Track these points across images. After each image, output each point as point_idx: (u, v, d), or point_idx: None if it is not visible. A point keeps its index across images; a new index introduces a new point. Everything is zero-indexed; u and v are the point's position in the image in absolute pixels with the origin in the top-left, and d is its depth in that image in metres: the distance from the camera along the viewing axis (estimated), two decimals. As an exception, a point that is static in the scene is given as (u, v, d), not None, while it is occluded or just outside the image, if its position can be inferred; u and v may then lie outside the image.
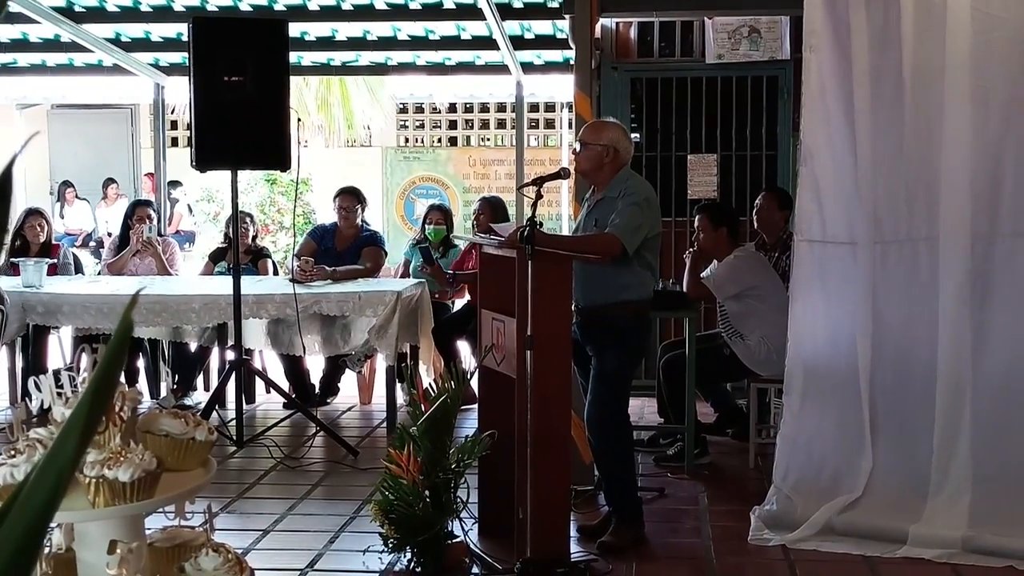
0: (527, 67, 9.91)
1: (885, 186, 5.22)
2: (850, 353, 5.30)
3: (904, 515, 5.06)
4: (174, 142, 17.18)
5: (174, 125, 17.92)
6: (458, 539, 4.87)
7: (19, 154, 0.73)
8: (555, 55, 9.77)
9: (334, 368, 8.35)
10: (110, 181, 17.83)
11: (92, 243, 16.78)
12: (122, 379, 6.82)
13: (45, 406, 2.64)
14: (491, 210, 8.12)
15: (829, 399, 5.37)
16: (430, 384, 5.06)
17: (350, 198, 8.33)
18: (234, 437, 6.91)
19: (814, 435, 5.37)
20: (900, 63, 5.13)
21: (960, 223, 5.07)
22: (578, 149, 5.27)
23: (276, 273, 8.62)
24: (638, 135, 8.57)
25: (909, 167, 5.18)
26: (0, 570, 0.89)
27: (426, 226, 8.64)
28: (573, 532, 5.12)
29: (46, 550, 2.68)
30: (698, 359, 6.45)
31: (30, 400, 2.69)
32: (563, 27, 8.47)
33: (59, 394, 2.62)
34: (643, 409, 7.71)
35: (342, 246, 8.17)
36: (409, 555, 4.80)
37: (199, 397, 8.20)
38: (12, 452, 2.54)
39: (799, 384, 5.40)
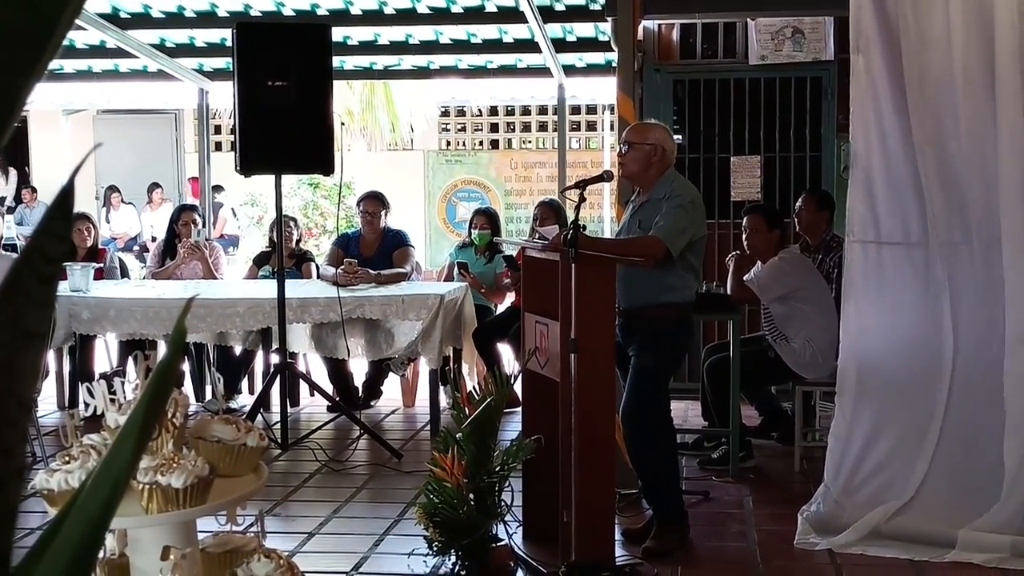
0: (569, 70, 9.91)
1: (941, 186, 5.16)
2: (907, 355, 5.24)
3: (954, 520, 5.00)
4: (218, 146, 17.29)
5: (218, 130, 18.04)
6: (502, 543, 4.87)
7: (78, 170, 0.74)
8: (597, 57, 9.77)
9: (377, 371, 8.37)
10: (155, 186, 17.99)
11: (136, 247, 16.93)
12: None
13: (98, 412, 2.66)
14: (553, 213, 8.08)
15: (884, 401, 5.31)
16: (473, 387, 5.07)
17: (375, 203, 8.32)
18: (279, 440, 6.94)
19: (867, 437, 5.32)
20: (951, 62, 5.08)
21: (1020, 223, 5.01)
22: (623, 151, 5.25)
23: (320, 276, 8.66)
24: (681, 137, 8.54)
25: (964, 167, 5.12)
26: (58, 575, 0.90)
27: (471, 230, 8.65)
28: (618, 536, 5.11)
29: (100, 555, 2.71)
30: (742, 362, 6.42)
31: (81, 406, 2.71)
32: (605, 29, 8.47)
33: (112, 400, 2.64)
34: (687, 412, 7.68)
35: (368, 251, 8.16)
36: (453, 558, 4.80)
37: (244, 400, 8.25)
38: (67, 458, 2.56)
39: (852, 385, 5.35)
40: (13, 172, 18.82)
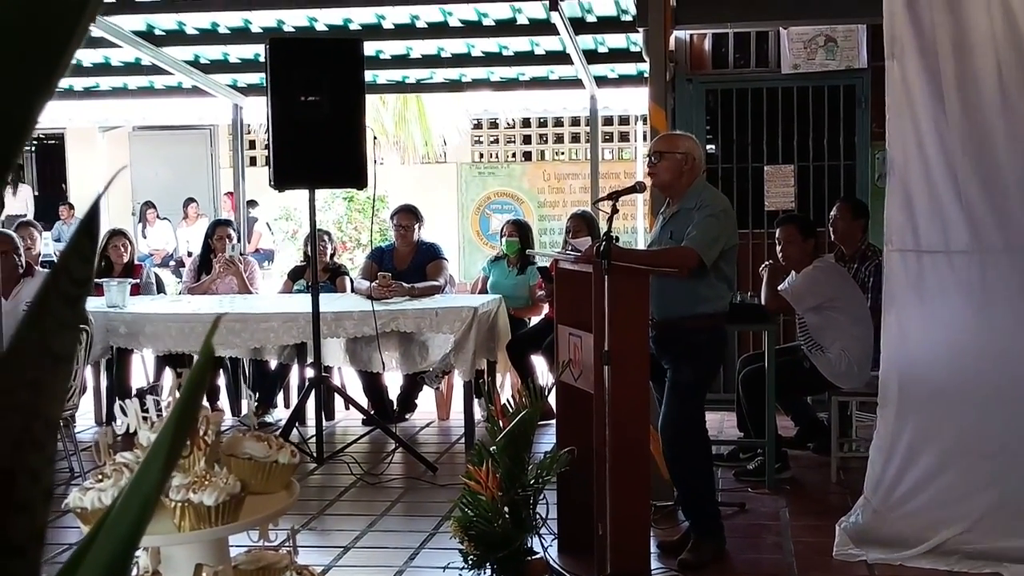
0: (601, 81, 9.90)
1: (981, 193, 5.09)
2: (951, 365, 5.15)
3: (1003, 537, 4.93)
4: (252, 161, 17.39)
5: (252, 145, 18.15)
6: (538, 555, 4.86)
7: (107, 188, 0.74)
8: (629, 68, 9.75)
9: (412, 384, 8.38)
10: (190, 201, 18.10)
11: (173, 262, 17.04)
12: (205, 401, 6.86)
13: (131, 430, 2.68)
14: (586, 225, 8.08)
15: (928, 413, 5.21)
16: (508, 400, 5.06)
17: (408, 216, 8.34)
18: (314, 454, 6.96)
19: (911, 449, 5.24)
20: (987, 67, 5.03)
21: None
22: (654, 161, 5.24)
23: (354, 290, 8.68)
24: (714, 147, 8.52)
25: (1005, 172, 5.06)
26: (88, 597, 0.90)
27: (501, 239, 8.67)
28: (653, 548, 5.09)
29: (133, 573, 2.72)
30: (778, 372, 6.39)
31: (116, 423, 2.72)
32: (637, 40, 8.46)
33: (145, 418, 2.65)
34: (723, 423, 7.65)
35: (402, 265, 8.18)
36: (489, 572, 4.79)
37: (279, 414, 8.28)
38: (100, 476, 2.57)
39: (894, 397, 5.28)
40: (25, 188, 18.92)
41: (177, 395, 2.65)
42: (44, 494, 0.80)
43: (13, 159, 0.73)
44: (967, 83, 5.10)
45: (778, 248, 6.81)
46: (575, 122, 18.63)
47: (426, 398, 8.52)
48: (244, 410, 8.27)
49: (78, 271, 0.75)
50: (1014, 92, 5.02)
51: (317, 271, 7.13)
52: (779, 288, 6.67)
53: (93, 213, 0.75)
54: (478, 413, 7.40)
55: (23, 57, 0.71)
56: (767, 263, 7.01)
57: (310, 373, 7.37)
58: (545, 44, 9.29)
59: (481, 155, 19.67)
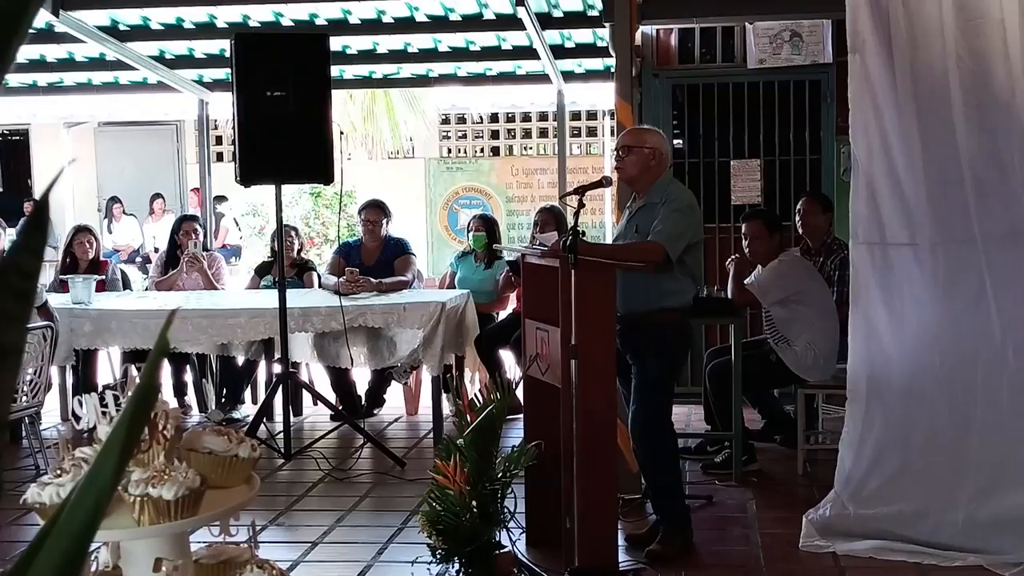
0: (568, 76, 9.91)
1: (943, 184, 5.09)
2: (918, 359, 5.16)
3: (971, 529, 4.97)
4: (219, 157, 17.29)
5: (219, 140, 18.05)
6: (506, 549, 4.87)
7: (55, 182, 0.74)
8: (596, 63, 9.76)
9: (380, 379, 8.37)
10: (156, 196, 17.99)
11: (139, 259, 16.93)
12: (167, 396, 6.85)
13: (91, 425, 2.67)
14: (553, 219, 8.08)
15: (897, 406, 5.22)
16: (475, 394, 5.07)
17: (376, 211, 8.33)
18: (282, 450, 6.94)
19: (879, 442, 5.26)
20: (944, 56, 5.05)
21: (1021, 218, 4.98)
22: (622, 155, 5.25)
23: (321, 286, 8.66)
24: (680, 141, 8.55)
25: (964, 164, 5.07)
26: (43, 590, 0.90)
27: (468, 235, 8.68)
28: (621, 541, 5.10)
29: (93, 568, 2.71)
30: (745, 365, 6.41)
31: (76, 419, 2.71)
32: (603, 35, 8.47)
33: (103, 413, 2.64)
34: (690, 416, 7.68)
35: (370, 260, 8.16)
36: (457, 566, 4.79)
37: (247, 410, 8.25)
38: (58, 472, 2.56)
39: (863, 391, 5.31)
40: None
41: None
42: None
43: None
44: (924, 72, 5.11)
45: (744, 242, 6.83)
46: (543, 117, 18.62)
47: (394, 393, 8.52)
48: (211, 405, 8.26)
49: (26, 264, 0.75)
50: (968, 82, 5.03)
51: (284, 267, 7.11)
52: (745, 282, 6.70)
53: (42, 207, 0.75)
54: (446, 408, 7.40)
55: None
56: (734, 257, 7.03)
57: (278, 369, 7.35)
58: (512, 39, 9.29)
59: (449, 150, 19.64)
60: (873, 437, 5.26)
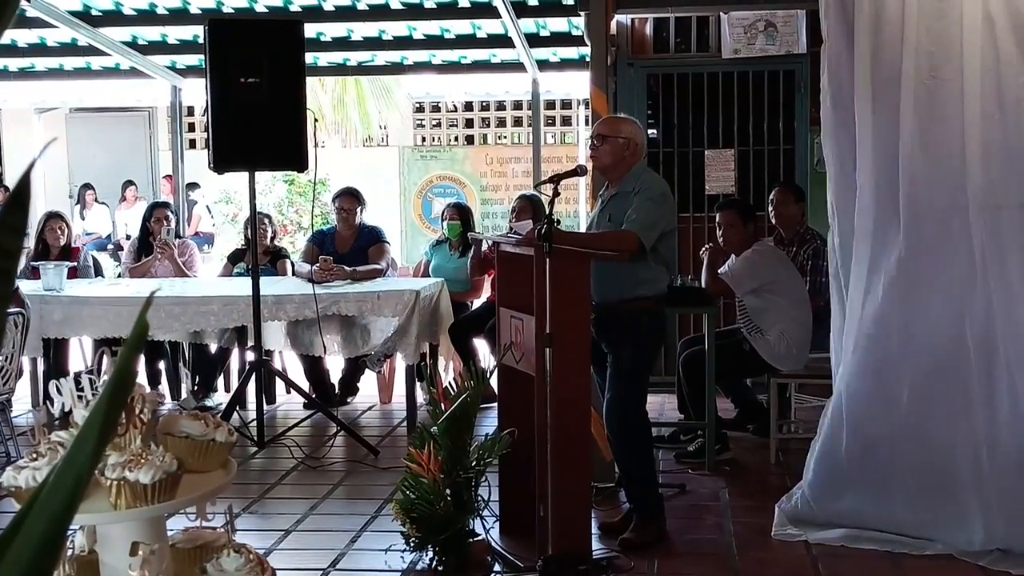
0: (543, 64, 9.91)
1: (911, 167, 5.09)
2: (889, 350, 5.12)
3: (937, 514, 4.99)
4: (192, 144, 17.22)
5: (192, 127, 17.97)
6: (480, 537, 4.88)
7: (36, 160, 0.73)
8: (571, 52, 9.76)
9: (354, 368, 8.36)
10: (128, 183, 17.89)
11: (111, 246, 16.84)
12: (143, 381, 6.79)
13: (66, 409, 2.66)
14: (531, 207, 8.06)
15: (868, 395, 5.19)
16: (449, 383, 5.07)
17: (350, 199, 8.30)
18: (255, 438, 6.93)
19: (850, 432, 5.27)
20: (902, 44, 5.03)
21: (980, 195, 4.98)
22: (597, 144, 5.25)
23: (295, 273, 8.63)
24: (655, 131, 8.56)
25: (930, 150, 5.07)
26: (21, 572, 0.90)
27: (443, 223, 8.67)
28: (595, 529, 5.11)
29: (69, 552, 2.70)
30: (718, 355, 6.44)
31: (51, 404, 2.70)
32: (578, 24, 8.47)
33: (80, 397, 2.63)
34: (663, 405, 7.70)
35: (343, 248, 8.14)
36: (431, 554, 4.80)
37: (220, 398, 8.22)
38: (34, 455, 2.55)
39: (838, 378, 5.34)
40: None
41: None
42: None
43: None
44: (883, 64, 5.10)
45: (718, 232, 6.85)
46: (517, 106, 18.62)
47: (368, 381, 8.51)
48: (184, 393, 8.23)
49: (8, 243, 0.75)
50: (924, 67, 5.02)
51: (257, 254, 7.09)
52: (719, 271, 6.71)
53: (23, 185, 0.74)
54: (420, 396, 7.40)
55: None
56: (707, 246, 7.05)
57: (251, 357, 7.33)
58: (487, 27, 9.28)
59: (423, 139, 19.62)
60: (844, 426, 5.26)
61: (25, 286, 7.35)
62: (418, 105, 19.18)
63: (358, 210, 8.27)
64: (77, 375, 2.76)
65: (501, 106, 19.01)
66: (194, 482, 2.67)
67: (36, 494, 0.96)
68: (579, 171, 5.24)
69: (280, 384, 8.20)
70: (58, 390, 2.63)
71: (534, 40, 9.36)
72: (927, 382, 5.04)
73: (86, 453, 0.94)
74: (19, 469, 2.52)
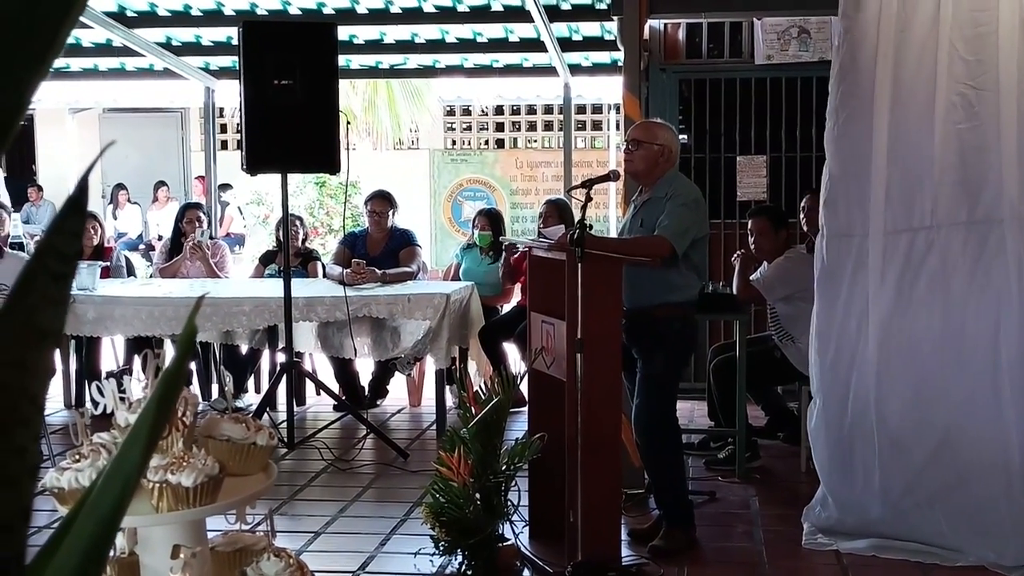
0: (575, 69, 9.91)
1: (896, 176, 5.05)
2: (921, 358, 5.10)
3: (969, 528, 4.95)
4: (224, 145, 17.31)
5: (224, 128, 18.06)
6: (509, 542, 4.87)
7: (95, 163, 0.74)
8: (603, 57, 9.76)
9: (384, 370, 8.37)
10: (160, 184, 17.99)
11: (142, 246, 16.93)
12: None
13: (108, 411, 2.67)
14: (558, 212, 8.06)
15: (898, 406, 5.16)
16: (480, 387, 5.07)
17: (382, 202, 8.31)
18: (285, 439, 6.94)
19: (841, 440, 5.25)
20: (936, 47, 5.00)
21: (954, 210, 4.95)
22: (631, 148, 5.24)
23: (326, 275, 8.64)
24: (687, 136, 8.54)
25: (911, 156, 5.04)
26: (70, 575, 0.90)
27: (474, 231, 8.66)
28: (624, 536, 5.11)
29: (110, 554, 2.71)
30: (749, 362, 6.41)
31: (93, 405, 2.71)
32: (611, 29, 8.47)
33: (122, 399, 2.64)
34: (693, 412, 7.67)
35: (375, 251, 8.15)
36: (460, 558, 4.80)
37: (250, 399, 8.25)
38: (77, 457, 2.56)
39: (828, 385, 5.30)
40: None
41: (155, 376, 2.64)
42: (30, 471, 0.80)
43: (4, 145, 0.72)
44: (912, 69, 5.05)
45: (750, 239, 6.83)
46: (548, 110, 18.64)
47: (397, 384, 8.51)
48: (215, 394, 8.26)
49: (66, 247, 0.75)
50: (960, 74, 4.98)
51: (289, 256, 7.11)
52: (751, 278, 6.69)
53: (82, 188, 0.74)
54: (450, 400, 7.40)
55: (17, 43, 0.71)
56: (739, 253, 7.03)
57: (281, 358, 7.35)
58: (519, 31, 9.28)
59: (454, 142, 19.65)
60: (857, 435, 5.21)
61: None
62: (449, 108, 19.22)
63: (390, 213, 8.28)
64: (119, 375, 2.78)
65: (532, 110, 19.03)
66: (235, 485, 2.67)
67: (84, 497, 0.96)
68: (611, 176, 5.23)
69: (310, 386, 8.23)
70: (100, 391, 2.64)
71: (566, 44, 9.36)
72: (959, 394, 4.99)
73: (134, 457, 0.94)
74: (62, 471, 2.53)
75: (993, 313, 4.90)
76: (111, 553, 2.71)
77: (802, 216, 7.32)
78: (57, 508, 2.61)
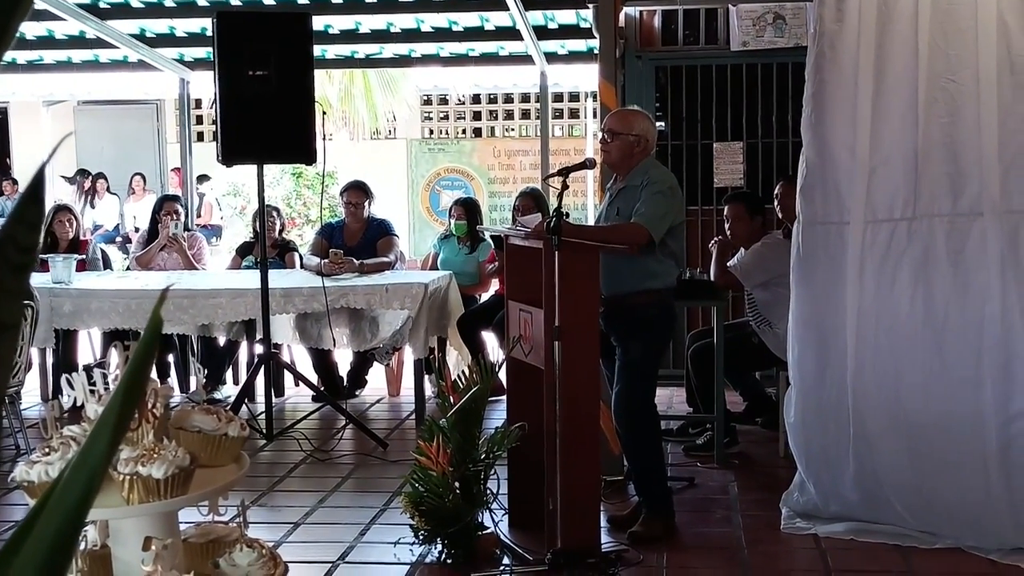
0: (551, 57, 9.89)
1: (879, 166, 5.07)
2: (900, 345, 5.11)
3: (947, 513, 4.98)
4: (200, 136, 17.23)
5: (200, 120, 17.98)
6: (488, 530, 4.88)
7: (51, 156, 0.73)
8: (579, 45, 9.75)
9: (362, 361, 8.36)
10: (137, 175, 17.91)
11: (119, 238, 16.86)
12: (153, 375, 6.79)
13: (78, 403, 2.66)
14: (534, 202, 8.06)
15: (821, 388, 5.22)
16: (458, 376, 5.06)
17: (358, 193, 8.29)
18: (264, 431, 6.93)
19: (818, 425, 5.27)
20: (916, 40, 5.01)
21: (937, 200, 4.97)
22: (607, 139, 5.24)
23: (303, 266, 8.62)
24: (663, 123, 8.53)
25: (894, 147, 5.05)
26: (36, 568, 0.89)
27: (450, 220, 8.66)
28: (603, 523, 5.11)
29: (81, 547, 2.70)
30: (727, 348, 6.43)
31: (62, 397, 2.70)
32: (587, 16, 8.45)
33: (92, 391, 2.63)
34: (672, 399, 7.69)
35: (352, 241, 8.14)
36: (440, 547, 4.80)
37: (228, 391, 8.23)
38: (47, 450, 2.55)
39: (809, 374, 5.32)
40: None
41: (122, 367, 2.63)
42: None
43: None
44: (893, 62, 5.05)
45: (727, 225, 6.84)
46: (525, 98, 18.62)
47: (376, 374, 8.51)
48: (192, 386, 8.23)
49: (24, 238, 0.74)
50: (941, 68, 4.98)
51: (266, 247, 7.09)
52: (728, 264, 6.71)
53: (38, 180, 0.74)
54: (428, 389, 7.40)
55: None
56: (716, 239, 7.04)
57: (259, 349, 7.33)
58: (495, 19, 9.26)
59: (431, 131, 19.61)
60: (840, 419, 5.23)
61: (34, 279, 7.33)
62: (426, 98, 19.18)
63: (366, 203, 8.26)
64: (89, 368, 2.76)
65: (509, 99, 19.00)
66: (207, 477, 2.67)
67: (50, 490, 0.96)
68: (587, 164, 5.24)
69: (289, 377, 8.21)
70: (70, 384, 2.63)
71: (542, 32, 9.35)
72: (938, 383, 5.01)
73: (100, 449, 0.93)
74: (31, 464, 2.52)
75: (974, 304, 4.92)
76: (82, 546, 2.70)
77: (776, 202, 7.33)
78: (29, 501, 2.60)
